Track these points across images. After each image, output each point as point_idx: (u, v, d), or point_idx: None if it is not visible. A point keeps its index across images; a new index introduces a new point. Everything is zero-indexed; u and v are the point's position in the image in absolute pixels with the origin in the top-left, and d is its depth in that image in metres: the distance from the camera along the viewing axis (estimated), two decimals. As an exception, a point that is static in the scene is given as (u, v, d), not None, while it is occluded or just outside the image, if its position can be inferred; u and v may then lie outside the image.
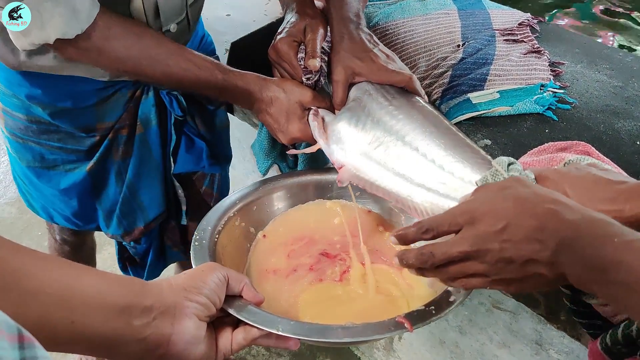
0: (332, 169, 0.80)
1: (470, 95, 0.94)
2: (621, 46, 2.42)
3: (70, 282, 0.47)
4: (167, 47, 0.79)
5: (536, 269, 0.47)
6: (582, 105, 0.94)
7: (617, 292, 0.42)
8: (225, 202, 0.77)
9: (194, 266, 0.64)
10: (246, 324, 0.57)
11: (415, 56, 1.07)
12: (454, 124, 0.90)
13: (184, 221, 1.03)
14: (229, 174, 1.18)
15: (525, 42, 1.09)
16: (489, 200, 0.51)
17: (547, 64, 1.03)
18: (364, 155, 0.73)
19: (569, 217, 0.46)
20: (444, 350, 1.18)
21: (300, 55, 0.82)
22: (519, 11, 1.23)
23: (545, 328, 0.96)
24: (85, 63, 0.81)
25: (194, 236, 0.69)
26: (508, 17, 1.19)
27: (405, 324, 0.56)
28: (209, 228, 0.71)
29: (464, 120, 0.92)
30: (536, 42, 1.09)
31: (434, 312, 0.58)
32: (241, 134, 1.42)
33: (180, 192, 1.01)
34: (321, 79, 0.84)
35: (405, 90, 0.80)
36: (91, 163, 0.92)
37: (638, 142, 0.87)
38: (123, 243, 1.06)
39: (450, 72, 1.00)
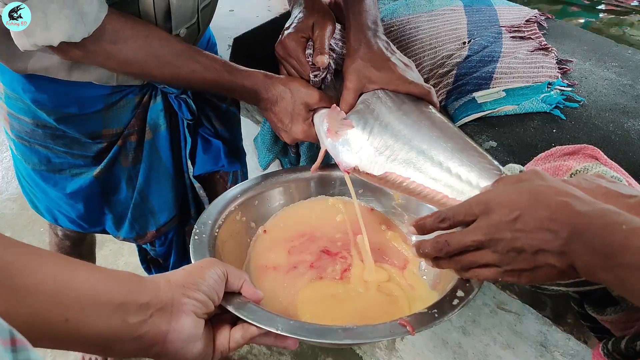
0: (334, 165, 0.79)
1: (475, 94, 0.92)
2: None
3: (64, 278, 0.46)
4: (175, 48, 0.78)
5: (547, 259, 0.48)
6: (590, 104, 0.92)
7: (624, 274, 0.43)
8: (226, 195, 0.76)
9: (193, 261, 0.63)
10: (245, 321, 0.56)
11: (420, 53, 1.05)
12: (460, 125, 0.89)
13: None
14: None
15: (532, 39, 1.08)
16: (505, 191, 0.53)
17: (555, 61, 1.01)
18: (371, 159, 0.72)
19: (580, 208, 0.47)
20: (447, 350, 1.17)
21: (308, 51, 0.81)
22: (526, 7, 1.21)
23: (550, 330, 0.95)
24: (90, 65, 0.79)
25: (194, 230, 0.68)
26: (515, 13, 1.17)
27: (407, 327, 0.55)
28: (209, 222, 0.70)
29: (469, 121, 0.90)
30: (543, 39, 1.07)
31: (436, 315, 0.57)
32: (245, 131, 1.41)
33: (201, 192, 1.00)
34: (328, 76, 0.83)
35: (415, 97, 0.79)
36: (98, 169, 0.91)
37: (648, 142, 0.85)
38: (142, 246, 1.06)
39: (455, 71, 0.99)
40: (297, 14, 0.87)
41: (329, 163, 0.85)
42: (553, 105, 0.89)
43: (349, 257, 0.73)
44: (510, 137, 0.86)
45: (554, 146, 0.83)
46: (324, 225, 0.78)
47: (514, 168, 0.61)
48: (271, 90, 0.82)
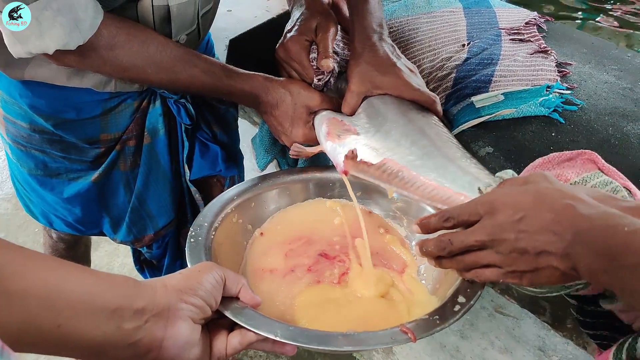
0: (333, 168, 0.78)
1: (474, 98, 0.91)
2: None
3: (57, 282, 0.45)
4: (173, 53, 0.77)
5: (549, 261, 0.48)
6: (590, 107, 0.92)
7: (625, 276, 0.43)
8: (223, 197, 0.75)
9: (188, 263, 0.62)
10: (242, 327, 0.55)
11: (419, 55, 1.05)
12: (458, 132, 0.88)
13: None
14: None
15: (531, 41, 1.07)
16: (511, 192, 0.53)
17: (554, 64, 1.00)
18: (369, 153, 0.71)
19: (584, 211, 0.47)
20: (444, 354, 1.16)
21: (312, 55, 0.80)
22: (526, 10, 1.21)
23: (548, 334, 0.94)
24: (86, 70, 0.78)
25: (190, 232, 0.68)
26: (514, 15, 1.17)
27: (409, 334, 0.54)
28: (205, 224, 0.69)
29: (466, 128, 0.89)
30: (543, 41, 1.07)
31: (438, 322, 0.56)
32: (242, 133, 1.40)
33: (197, 196, 1.00)
34: (331, 79, 0.82)
35: (419, 105, 0.79)
36: (96, 174, 0.90)
37: (648, 146, 0.84)
38: (137, 249, 1.05)
39: (454, 74, 0.98)
40: (298, 15, 0.86)
41: (327, 165, 0.84)
42: (552, 109, 0.89)
43: (347, 261, 0.73)
44: (508, 142, 0.85)
45: (553, 150, 0.82)
46: (322, 228, 0.77)
47: (507, 174, 0.61)
48: (271, 94, 0.81)
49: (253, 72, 0.82)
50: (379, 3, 0.85)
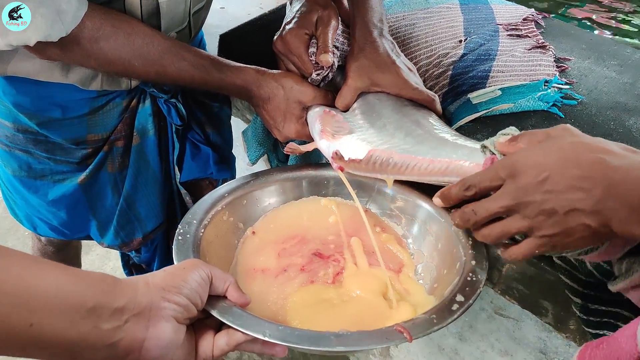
0: (328, 165, 0.76)
1: (470, 95, 0.89)
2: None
3: (31, 280, 0.42)
4: (160, 45, 0.74)
5: (580, 220, 0.46)
6: (590, 102, 0.90)
7: None
8: (213, 195, 0.73)
9: (175, 262, 0.60)
10: (230, 327, 0.53)
11: (416, 51, 1.02)
12: (456, 128, 0.86)
13: None
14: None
15: (529, 37, 1.05)
16: (532, 152, 0.50)
17: (553, 59, 0.99)
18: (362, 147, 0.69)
19: (615, 163, 0.45)
20: (442, 357, 1.13)
21: (312, 49, 0.78)
22: (523, 6, 1.19)
23: (550, 336, 0.92)
24: (70, 64, 0.76)
25: (178, 229, 0.65)
26: (512, 12, 1.15)
27: (405, 334, 0.52)
28: (195, 222, 0.67)
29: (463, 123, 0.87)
30: (541, 37, 1.05)
31: (435, 321, 0.53)
32: (234, 131, 1.38)
33: (187, 198, 0.97)
34: (330, 74, 0.80)
35: (417, 104, 0.77)
36: (83, 176, 0.87)
37: (651, 141, 0.82)
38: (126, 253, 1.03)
39: (450, 72, 0.96)
40: (298, 7, 0.83)
41: (321, 162, 0.82)
42: (550, 104, 0.87)
43: (341, 260, 0.70)
44: (508, 136, 0.83)
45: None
46: (316, 227, 0.75)
47: (511, 130, 0.59)
48: (263, 87, 0.78)
49: (244, 65, 0.79)
50: None
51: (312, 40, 0.79)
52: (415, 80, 0.78)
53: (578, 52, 1.05)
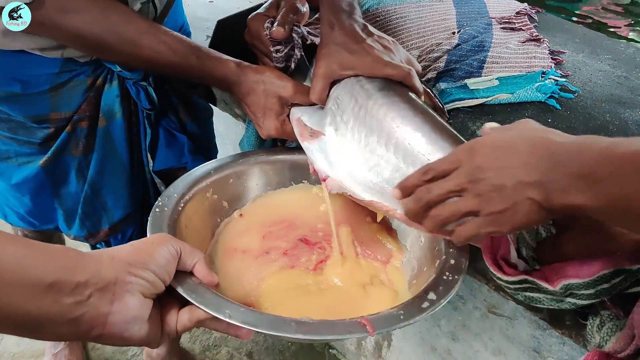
0: None
1: (467, 81, 0.88)
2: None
3: None
4: (138, 24, 0.71)
5: (526, 192, 0.47)
6: (585, 94, 0.88)
7: (600, 190, 0.42)
8: (198, 171, 0.70)
9: (149, 234, 0.58)
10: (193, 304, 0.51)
11: (408, 42, 1.00)
12: (452, 109, 0.84)
13: None
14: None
15: (523, 30, 1.04)
16: (489, 136, 0.52)
17: (547, 52, 0.97)
18: (347, 172, 0.66)
19: (558, 140, 0.47)
20: (435, 357, 1.11)
21: (266, 24, 0.76)
22: (516, 1, 1.18)
23: (543, 334, 0.90)
24: (41, 37, 0.72)
25: (156, 202, 0.63)
26: (505, 6, 1.14)
27: (367, 327, 0.49)
28: (175, 196, 0.65)
29: (462, 107, 0.85)
30: (535, 30, 1.04)
31: (402, 317, 0.51)
32: (224, 127, 1.35)
33: (162, 188, 0.93)
34: (297, 52, 0.77)
35: (394, 82, 0.71)
36: (45, 157, 0.83)
37: (646, 133, 0.81)
38: (96, 246, 0.98)
39: (445, 57, 0.94)
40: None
41: None
42: (548, 95, 0.85)
43: (327, 248, 0.68)
44: (504, 127, 0.81)
45: (549, 136, 0.78)
46: (307, 214, 0.72)
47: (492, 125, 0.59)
48: (243, 82, 0.75)
49: (225, 57, 0.76)
50: None
51: (269, 20, 0.77)
52: (391, 57, 0.72)
53: (572, 46, 1.04)
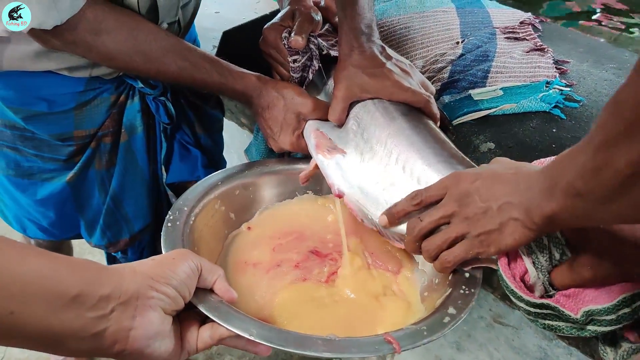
0: None
1: (471, 91, 0.88)
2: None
3: (11, 266, 0.40)
4: (163, 43, 0.73)
5: (511, 213, 0.50)
6: (590, 104, 0.88)
7: (564, 196, 0.44)
8: (206, 182, 0.71)
9: (163, 249, 0.58)
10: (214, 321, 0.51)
11: (412, 52, 1.01)
12: (456, 125, 0.84)
13: None
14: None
15: (527, 39, 1.04)
16: (473, 168, 0.57)
17: (552, 61, 0.98)
18: (361, 190, 0.67)
19: (534, 167, 0.52)
20: (440, 368, 1.10)
21: (284, 34, 0.78)
22: (520, 11, 1.18)
23: (550, 345, 0.90)
24: (69, 54, 0.74)
25: (167, 216, 0.63)
26: (509, 16, 1.14)
27: (393, 344, 0.50)
28: (185, 209, 0.65)
29: (465, 121, 0.86)
30: (539, 40, 1.04)
31: (425, 333, 0.52)
32: (228, 136, 1.35)
33: (174, 200, 0.94)
34: (310, 74, 0.78)
35: (412, 108, 0.73)
36: (71, 174, 0.85)
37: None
38: (112, 254, 1.00)
39: (449, 68, 0.94)
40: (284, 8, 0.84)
41: None
42: (552, 105, 0.85)
43: (339, 260, 0.67)
44: (509, 138, 0.81)
45: (554, 146, 0.78)
46: (315, 225, 0.72)
47: None
48: (264, 96, 0.77)
49: (247, 72, 0.78)
50: (370, 5, 0.80)
51: (287, 30, 0.79)
52: (411, 82, 0.75)
53: (576, 55, 1.04)
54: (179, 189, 0.97)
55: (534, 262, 0.54)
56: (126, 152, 0.87)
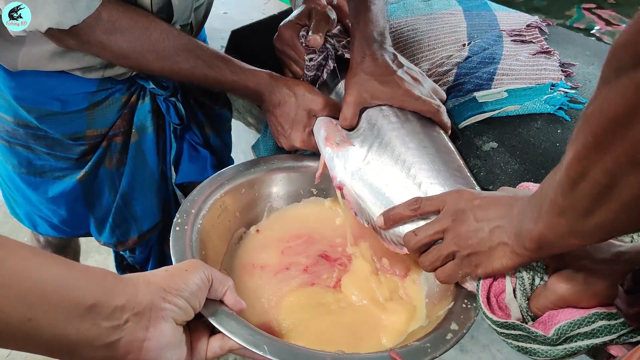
0: None
1: (476, 94, 0.89)
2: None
3: (29, 273, 0.40)
4: (176, 41, 0.74)
5: (500, 237, 0.51)
6: (595, 107, 0.88)
7: (550, 216, 0.44)
8: (212, 181, 0.71)
9: (172, 255, 0.59)
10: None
11: (418, 54, 1.02)
12: (461, 128, 0.85)
13: None
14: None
15: (534, 42, 1.04)
16: (476, 189, 0.59)
17: (558, 64, 0.98)
18: (362, 182, 0.68)
19: (526, 193, 0.53)
20: (443, 369, 1.10)
21: (302, 33, 0.78)
22: (526, 14, 1.18)
23: (553, 346, 0.90)
24: (84, 54, 0.75)
25: (175, 219, 0.64)
26: (515, 19, 1.15)
27: None
28: (193, 211, 0.66)
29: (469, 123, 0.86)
30: (545, 43, 1.04)
31: (429, 350, 0.53)
32: (235, 135, 1.36)
33: (182, 200, 0.95)
34: (324, 73, 0.79)
35: (422, 117, 0.74)
36: (82, 172, 0.87)
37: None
38: (120, 252, 1.01)
39: (455, 70, 0.95)
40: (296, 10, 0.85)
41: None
42: (557, 107, 0.86)
43: (348, 265, 0.68)
44: (512, 138, 0.82)
45: (559, 147, 0.79)
46: (323, 228, 0.73)
47: None
48: (275, 93, 0.78)
49: (258, 69, 0.79)
50: (382, 12, 0.81)
51: (304, 28, 0.80)
52: (422, 91, 0.75)
53: (582, 58, 1.04)
54: (188, 189, 0.97)
55: (515, 287, 0.54)
56: (136, 151, 0.88)
